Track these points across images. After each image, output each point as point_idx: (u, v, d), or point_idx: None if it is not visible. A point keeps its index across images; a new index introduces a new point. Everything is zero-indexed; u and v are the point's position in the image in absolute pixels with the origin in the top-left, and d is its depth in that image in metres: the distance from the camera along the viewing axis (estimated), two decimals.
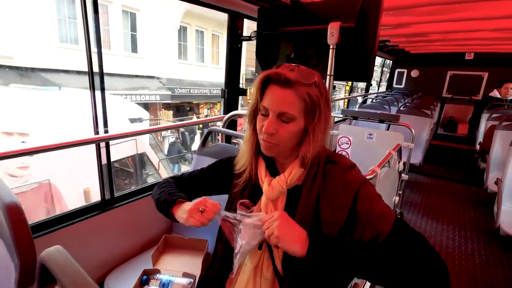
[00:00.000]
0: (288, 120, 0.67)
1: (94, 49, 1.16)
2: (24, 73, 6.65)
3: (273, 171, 0.78)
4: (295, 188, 0.73)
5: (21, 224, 0.62)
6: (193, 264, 1.37)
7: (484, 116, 3.93)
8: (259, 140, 0.73)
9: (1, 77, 6.31)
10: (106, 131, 1.27)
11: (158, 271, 1.24)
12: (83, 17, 1.09)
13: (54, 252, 0.52)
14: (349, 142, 2.90)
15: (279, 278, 0.71)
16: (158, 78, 9.74)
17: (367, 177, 1.34)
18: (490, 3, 1.97)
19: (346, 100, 6.07)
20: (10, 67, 6.41)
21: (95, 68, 1.21)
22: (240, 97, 1.97)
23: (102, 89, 1.21)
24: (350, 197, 0.68)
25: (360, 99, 5.69)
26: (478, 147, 3.75)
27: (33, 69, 6.76)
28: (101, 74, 1.18)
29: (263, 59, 1.54)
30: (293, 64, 0.69)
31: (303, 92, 0.66)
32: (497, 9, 2.02)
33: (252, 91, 0.73)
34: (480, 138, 3.88)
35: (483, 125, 3.85)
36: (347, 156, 2.88)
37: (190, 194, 0.88)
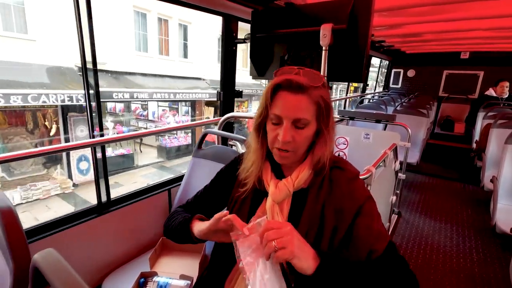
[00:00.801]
0: (303, 126, 0.66)
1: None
2: (115, 75, 8.39)
3: (278, 173, 0.77)
4: (300, 191, 0.73)
5: (14, 228, 0.63)
6: (191, 266, 1.37)
7: (480, 115, 3.95)
8: (272, 150, 0.72)
9: (102, 79, 7.77)
10: (101, 135, 1.28)
11: (155, 274, 1.24)
12: (76, 18, 1.10)
13: (47, 255, 0.53)
14: (346, 143, 2.91)
15: (285, 277, 0.70)
16: (204, 79, 11.50)
17: (362, 177, 1.36)
18: (482, 3, 1.99)
19: (349, 100, 6.10)
20: (106, 71, 8.09)
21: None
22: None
23: (97, 92, 1.22)
24: (354, 209, 0.68)
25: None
26: (474, 145, 3.77)
27: (120, 73, 8.55)
28: (95, 74, 1.19)
29: (257, 61, 1.55)
30: (295, 67, 0.68)
31: (316, 96, 0.66)
32: (489, 9, 2.05)
33: (260, 100, 0.71)
34: (476, 136, 3.90)
35: (479, 123, 3.87)
36: (345, 157, 2.91)
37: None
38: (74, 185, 7.32)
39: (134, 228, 1.50)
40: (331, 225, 0.68)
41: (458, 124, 5.14)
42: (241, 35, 1.82)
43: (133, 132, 1.48)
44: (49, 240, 1.14)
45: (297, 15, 1.42)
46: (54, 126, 7.11)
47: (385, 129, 3.44)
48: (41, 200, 6.67)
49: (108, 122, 8.95)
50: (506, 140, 2.42)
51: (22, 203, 6.39)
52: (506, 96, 4.23)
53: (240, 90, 1.97)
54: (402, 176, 2.67)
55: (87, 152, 7.04)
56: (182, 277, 1.20)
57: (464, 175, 4.08)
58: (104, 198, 1.39)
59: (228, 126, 1.87)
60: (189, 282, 1.18)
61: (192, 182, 1.60)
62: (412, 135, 2.60)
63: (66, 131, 7.24)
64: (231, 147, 1.90)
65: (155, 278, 1.20)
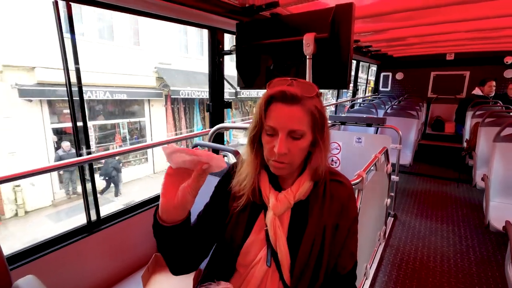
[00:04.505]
0: (299, 137, 0.66)
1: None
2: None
3: (276, 186, 0.76)
4: (299, 203, 0.73)
5: None
6: (185, 282, 1.34)
7: (469, 114, 4.02)
8: (268, 162, 0.71)
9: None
10: (88, 153, 1.26)
11: None
12: (59, 37, 1.10)
13: (26, 282, 0.51)
14: (338, 147, 2.93)
15: None
16: None
17: (353, 182, 1.36)
18: (460, 7, 2.05)
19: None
20: None
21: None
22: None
23: (82, 108, 1.21)
24: (347, 226, 0.72)
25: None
26: (465, 144, 3.82)
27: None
28: (80, 90, 1.19)
29: (244, 72, 1.56)
30: (288, 78, 0.68)
31: (311, 106, 0.65)
32: (467, 12, 2.11)
33: (254, 112, 0.71)
34: (466, 135, 3.96)
35: (469, 122, 3.94)
36: (338, 162, 2.91)
37: (207, 239, 0.78)
38: None
39: (126, 246, 1.47)
40: (330, 239, 0.70)
41: (448, 124, 5.22)
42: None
43: (121, 149, 1.46)
44: (34, 265, 1.10)
45: (281, 26, 1.45)
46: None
47: (376, 132, 3.48)
48: None
49: None
50: (494, 138, 2.46)
51: None
52: (493, 94, 4.32)
53: (230, 101, 1.98)
54: (395, 178, 2.68)
55: None
56: None
57: (456, 174, 4.12)
58: (93, 216, 1.36)
59: (218, 137, 1.86)
60: None
61: None
62: (403, 136, 2.63)
63: None
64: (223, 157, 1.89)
65: None
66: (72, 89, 1.20)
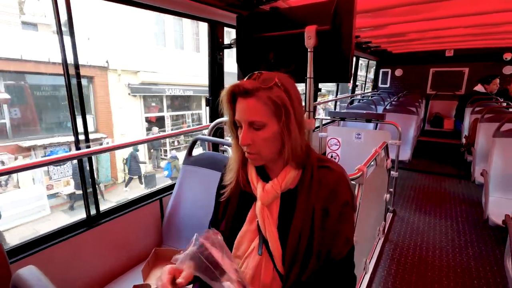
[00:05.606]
0: (259, 127, 0.68)
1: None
2: None
3: (264, 176, 0.77)
4: (288, 192, 0.74)
5: None
6: None
7: (468, 110, 4.03)
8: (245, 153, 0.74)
9: None
10: (88, 146, 1.25)
11: (148, 287, 1.21)
12: (58, 35, 1.09)
13: (26, 273, 0.51)
14: (338, 143, 2.93)
15: (281, 280, 0.71)
16: None
17: (353, 176, 1.36)
18: (462, 1, 2.04)
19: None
20: None
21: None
22: None
23: (81, 100, 1.20)
24: (338, 210, 0.70)
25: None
26: (464, 140, 3.83)
27: None
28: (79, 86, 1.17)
29: (244, 65, 1.55)
30: (255, 72, 0.70)
31: (264, 97, 0.66)
32: (469, 7, 2.10)
33: (223, 107, 0.73)
34: (465, 131, 3.96)
35: (468, 119, 3.94)
36: (338, 157, 2.91)
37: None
38: None
39: (125, 240, 1.46)
40: (319, 224, 0.69)
41: (447, 120, 5.23)
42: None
43: (121, 142, 1.46)
44: (35, 258, 1.09)
45: (282, 19, 1.43)
46: None
47: (376, 128, 3.48)
48: None
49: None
50: (493, 134, 2.46)
51: None
52: (495, 91, 4.33)
53: None
54: (394, 174, 2.69)
55: None
56: None
57: (455, 170, 4.13)
58: (93, 211, 1.35)
59: (218, 131, 1.85)
60: None
61: (183, 190, 1.57)
62: (402, 133, 2.63)
63: None
64: (223, 152, 1.89)
65: None
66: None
